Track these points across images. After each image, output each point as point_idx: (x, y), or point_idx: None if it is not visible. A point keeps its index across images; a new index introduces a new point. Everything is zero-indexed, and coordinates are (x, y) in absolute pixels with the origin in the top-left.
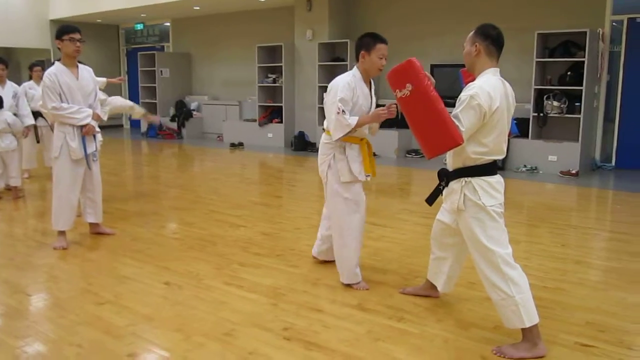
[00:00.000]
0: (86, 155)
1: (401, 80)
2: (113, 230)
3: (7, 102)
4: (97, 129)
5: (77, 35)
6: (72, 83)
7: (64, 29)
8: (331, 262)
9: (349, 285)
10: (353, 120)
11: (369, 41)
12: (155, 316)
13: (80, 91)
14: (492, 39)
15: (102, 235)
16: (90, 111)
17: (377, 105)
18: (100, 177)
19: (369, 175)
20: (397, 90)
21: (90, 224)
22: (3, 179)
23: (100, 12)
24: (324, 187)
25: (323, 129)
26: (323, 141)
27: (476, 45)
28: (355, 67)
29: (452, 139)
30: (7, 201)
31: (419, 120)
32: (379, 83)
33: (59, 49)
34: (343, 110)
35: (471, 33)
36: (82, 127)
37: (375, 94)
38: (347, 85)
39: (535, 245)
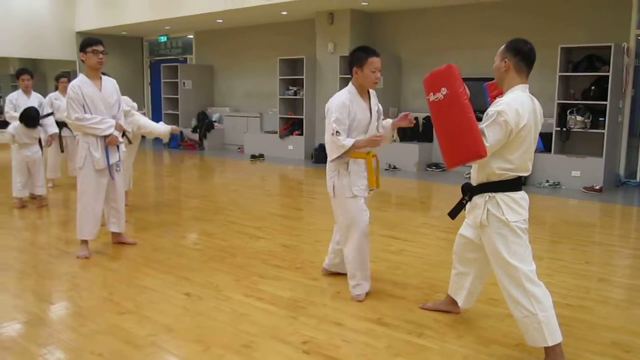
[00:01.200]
0: (109, 166)
1: (437, 83)
2: (135, 240)
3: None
4: (121, 140)
5: (99, 48)
6: (95, 94)
7: (87, 42)
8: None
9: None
10: (349, 142)
11: (360, 55)
12: (175, 327)
13: (104, 102)
14: (523, 55)
15: (123, 244)
16: (113, 122)
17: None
18: (123, 187)
19: (372, 189)
20: (431, 94)
21: (113, 233)
22: (28, 187)
23: (126, 25)
24: (331, 201)
25: None
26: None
27: (505, 61)
28: (350, 83)
29: (477, 150)
30: (32, 210)
31: (447, 126)
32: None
33: (82, 61)
34: (337, 132)
35: (502, 47)
36: (105, 137)
37: (378, 103)
38: (342, 104)
39: (557, 262)
